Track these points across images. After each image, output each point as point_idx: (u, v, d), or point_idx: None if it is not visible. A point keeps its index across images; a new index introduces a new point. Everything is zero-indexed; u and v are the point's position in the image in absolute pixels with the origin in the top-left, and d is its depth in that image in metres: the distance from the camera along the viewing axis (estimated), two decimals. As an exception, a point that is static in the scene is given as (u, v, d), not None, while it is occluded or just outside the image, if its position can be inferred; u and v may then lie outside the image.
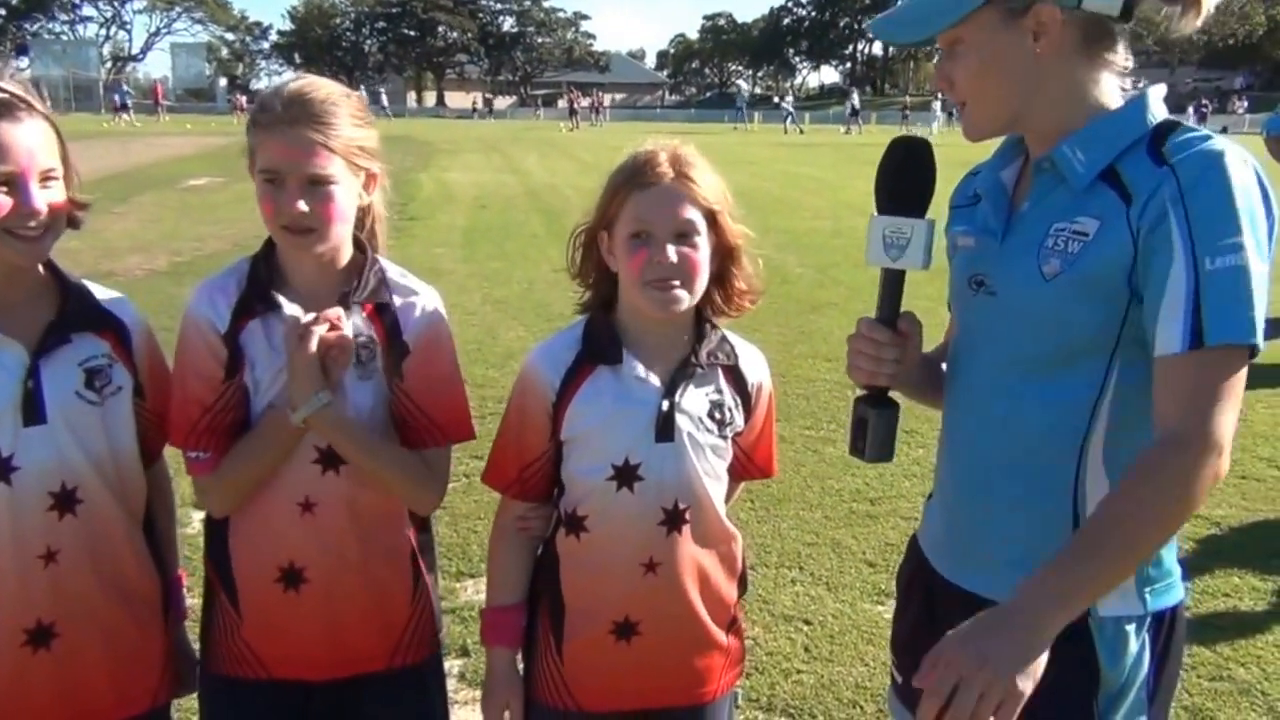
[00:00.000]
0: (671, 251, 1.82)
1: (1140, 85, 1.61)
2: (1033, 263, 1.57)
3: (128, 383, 1.93)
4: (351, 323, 1.90)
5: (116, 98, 46.15)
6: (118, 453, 1.92)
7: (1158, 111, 1.58)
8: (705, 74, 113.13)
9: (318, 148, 1.81)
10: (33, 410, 1.80)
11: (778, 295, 9.74)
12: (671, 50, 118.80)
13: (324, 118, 1.82)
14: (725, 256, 1.91)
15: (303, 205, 1.82)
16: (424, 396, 1.97)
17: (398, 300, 1.97)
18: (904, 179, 1.67)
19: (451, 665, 3.52)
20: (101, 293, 1.96)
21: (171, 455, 2.05)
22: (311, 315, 1.87)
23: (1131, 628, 1.59)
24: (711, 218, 1.87)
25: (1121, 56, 1.60)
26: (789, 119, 50.21)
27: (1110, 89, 1.60)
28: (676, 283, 1.83)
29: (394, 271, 2.02)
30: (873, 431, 1.64)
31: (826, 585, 4.21)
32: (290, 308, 1.90)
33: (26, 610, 1.84)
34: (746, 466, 2.07)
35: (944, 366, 1.85)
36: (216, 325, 1.89)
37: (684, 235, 1.83)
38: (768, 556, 4.45)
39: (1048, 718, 1.50)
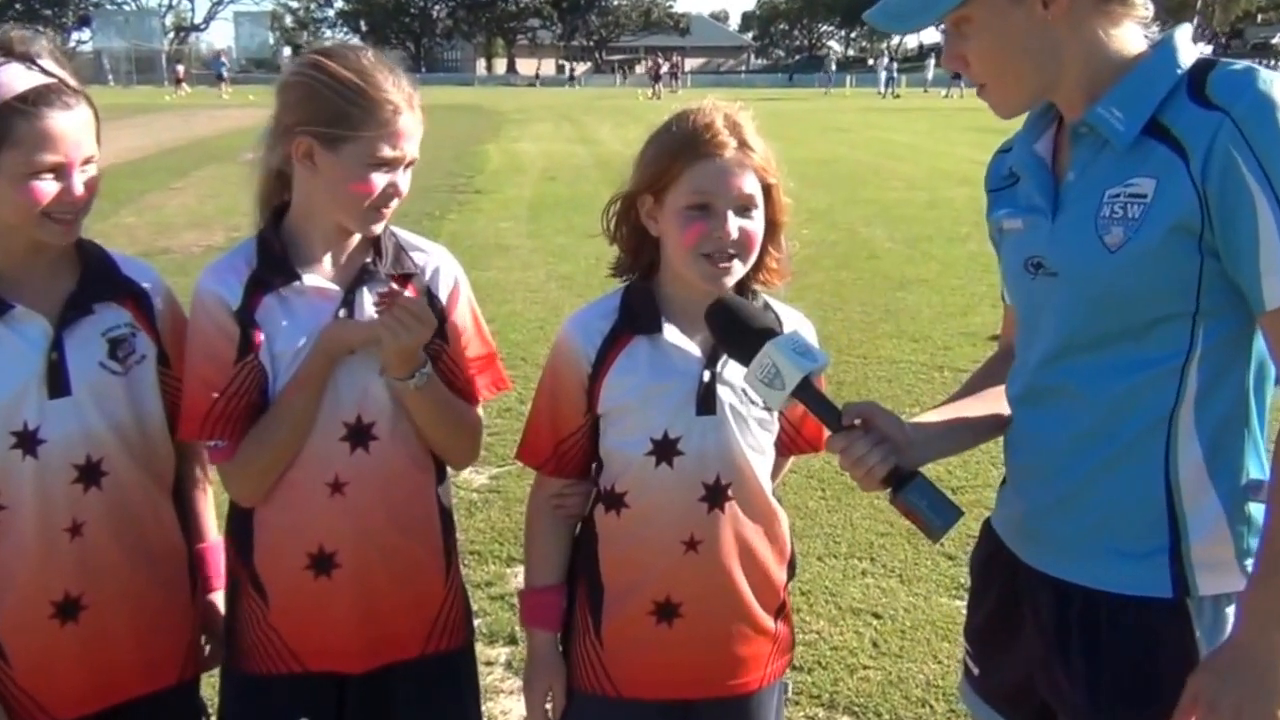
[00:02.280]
0: (734, 225, 1.84)
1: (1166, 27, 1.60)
2: (1092, 235, 1.56)
3: (151, 351, 1.99)
4: (382, 293, 1.95)
5: (211, 69, 47.63)
6: (144, 422, 1.98)
7: (1188, 52, 1.56)
8: (794, 35, 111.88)
9: (420, 130, 1.93)
10: (58, 382, 1.88)
11: (864, 270, 9.67)
12: (757, 11, 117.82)
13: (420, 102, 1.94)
14: (770, 229, 1.93)
15: (404, 185, 1.93)
16: (464, 357, 2.05)
17: (420, 264, 2.03)
18: (729, 334, 1.74)
19: (499, 653, 3.60)
20: (122, 260, 2.04)
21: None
22: (389, 288, 1.94)
23: (1231, 608, 1.59)
24: (767, 190, 1.90)
25: (1141, 3, 1.58)
26: (890, 82, 49.48)
27: (1134, 39, 1.59)
28: (733, 256, 1.86)
29: (404, 235, 2.07)
30: (919, 511, 1.63)
31: (900, 578, 4.20)
32: (314, 279, 1.95)
33: (54, 583, 1.93)
34: (795, 440, 2.09)
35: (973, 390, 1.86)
36: (228, 302, 1.93)
37: (745, 208, 1.86)
38: (837, 546, 4.45)
39: (1141, 707, 1.54)
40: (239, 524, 2.04)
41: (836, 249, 10.46)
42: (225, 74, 50.13)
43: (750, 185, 1.87)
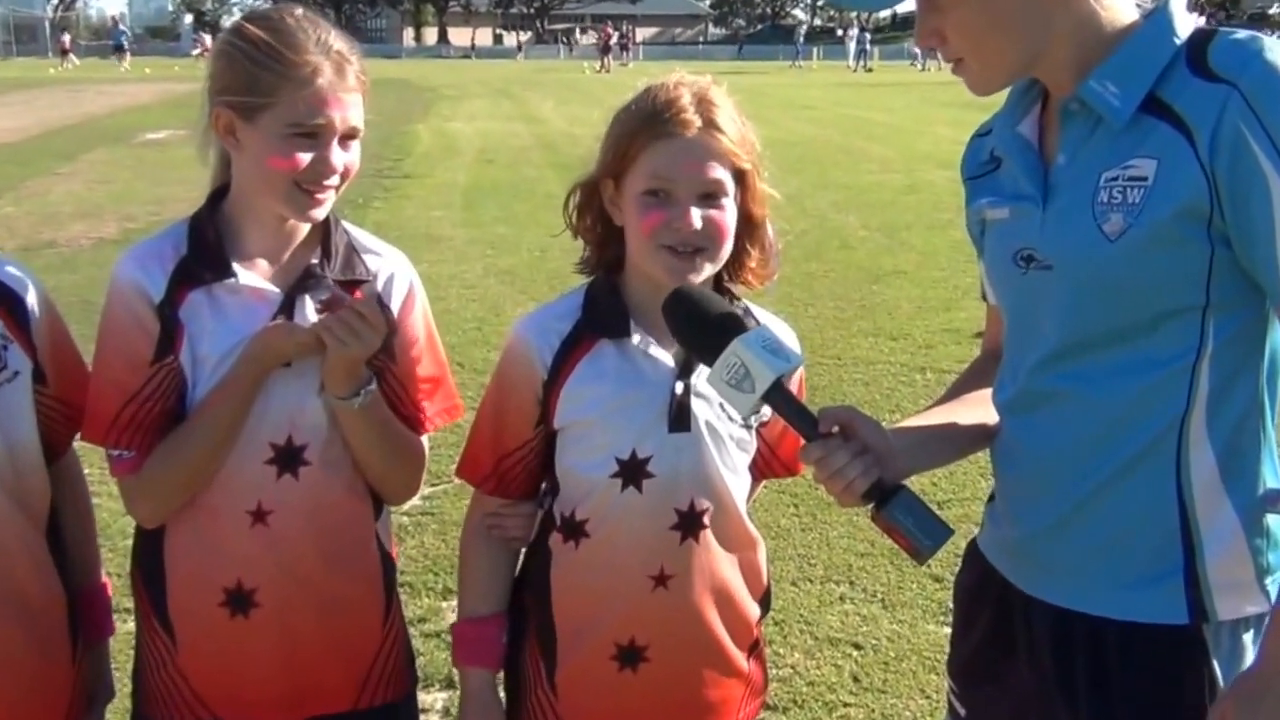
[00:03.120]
0: (696, 215, 1.81)
1: None
2: (1089, 223, 1.56)
3: (25, 366, 1.90)
4: (325, 300, 1.92)
5: (108, 39, 47.17)
6: (14, 448, 1.89)
7: (1184, 21, 1.57)
8: (755, 3, 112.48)
9: (358, 98, 1.90)
10: None
11: (836, 262, 9.72)
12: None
13: (360, 65, 1.91)
14: (745, 222, 1.90)
15: (341, 160, 1.88)
16: (413, 378, 2.02)
17: (373, 269, 2.00)
18: (690, 329, 1.72)
19: (435, 699, 3.55)
20: None
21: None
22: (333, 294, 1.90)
23: (1249, 635, 1.60)
24: (741, 177, 1.87)
25: None
26: (862, 55, 49.90)
27: (1126, 8, 1.59)
28: (698, 249, 1.83)
29: (357, 234, 2.04)
30: (905, 530, 1.61)
31: (882, 603, 4.20)
32: (250, 278, 1.91)
33: None
34: (770, 462, 2.07)
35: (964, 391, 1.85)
36: (149, 294, 1.89)
37: (710, 196, 1.83)
38: (812, 569, 4.45)
39: None
40: (146, 553, 2.00)
41: (805, 239, 10.51)
42: (126, 44, 49.50)
43: (717, 170, 1.83)
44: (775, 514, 4.79)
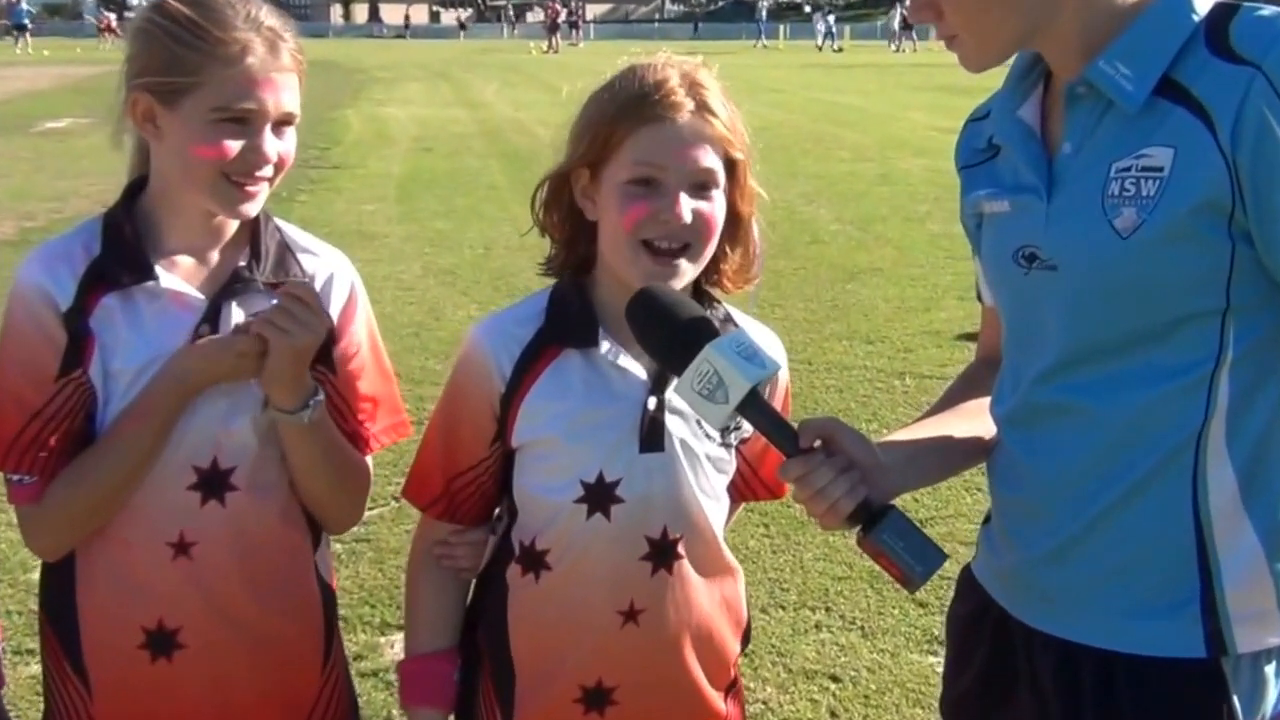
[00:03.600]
0: (686, 206, 1.79)
1: None
2: (1099, 218, 1.55)
3: None
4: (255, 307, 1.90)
5: (11, 19, 46.84)
6: None
7: None
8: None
9: (293, 79, 1.87)
10: None
11: (806, 258, 9.75)
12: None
13: (296, 43, 1.89)
14: (730, 220, 1.88)
15: (274, 149, 1.85)
16: (358, 392, 2.01)
17: (310, 271, 1.98)
18: (656, 333, 1.70)
19: (374, 743, 3.51)
20: None
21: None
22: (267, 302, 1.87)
23: (1272, 668, 1.60)
24: (732, 168, 1.85)
25: None
26: (828, 35, 50.26)
27: None
28: (682, 248, 1.82)
29: (291, 232, 2.03)
30: (894, 555, 1.60)
31: (861, 631, 4.20)
32: (172, 281, 1.88)
33: None
34: (751, 483, 2.06)
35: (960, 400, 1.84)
36: (55, 300, 1.85)
37: (702, 187, 1.82)
38: (785, 595, 4.44)
39: None
40: (54, 589, 1.97)
41: (773, 233, 10.27)
42: (28, 23, 49.01)
43: (709, 159, 1.81)
44: (743, 534, 4.76)
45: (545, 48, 48.11)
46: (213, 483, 1.90)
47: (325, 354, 1.95)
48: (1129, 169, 1.53)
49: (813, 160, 15.10)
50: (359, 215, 11.56)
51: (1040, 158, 1.66)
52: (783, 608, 4.35)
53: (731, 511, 2.08)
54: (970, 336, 7.48)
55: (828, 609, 4.35)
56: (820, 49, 48.57)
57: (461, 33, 67.72)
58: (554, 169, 1.90)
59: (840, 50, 49.28)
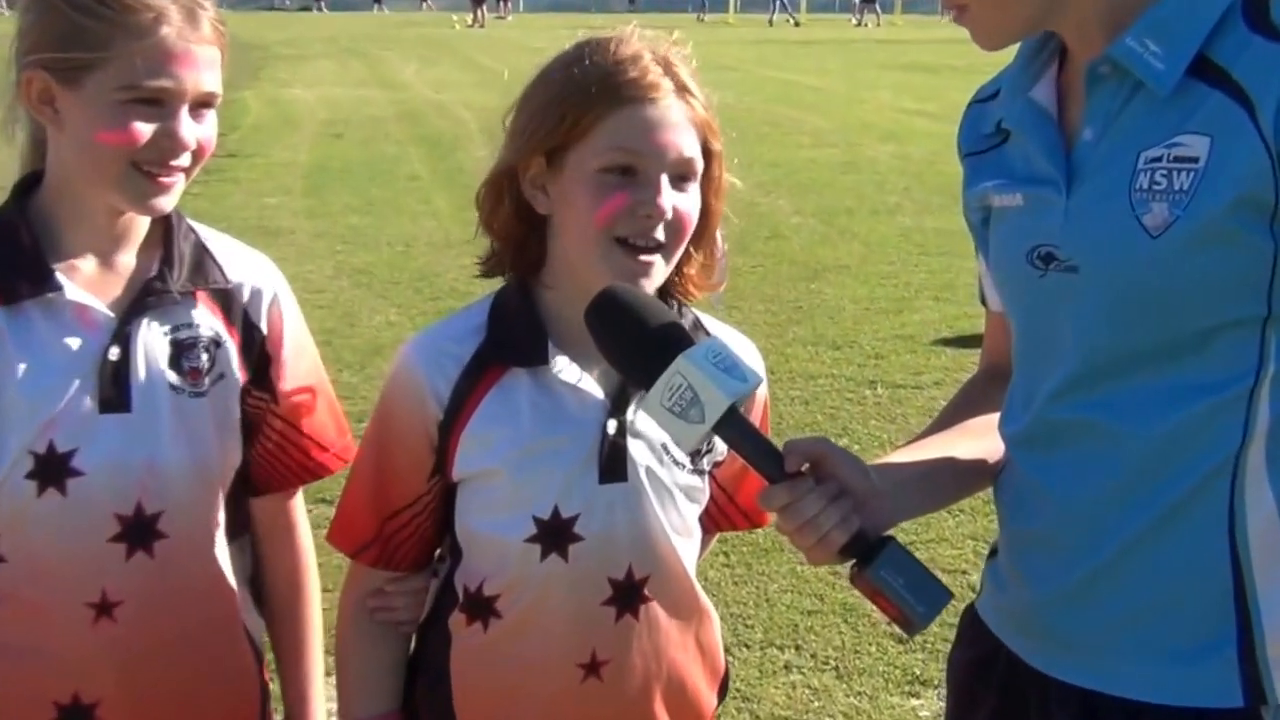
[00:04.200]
0: (668, 197, 1.78)
1: None
2: (1125, 215, 1.55)
3: None
4: (179, 317, 1.91)
5: None
6: None
7: None
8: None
9: (215, 54, 1.87)
10: None
11: (765, 255, 9.79)
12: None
13: (217, 13, 1.89)
14: (702, 216, 1.88)
15: (192, 134, 1.83)
16: (303, 417, 2.04)
17: (234, 278, 1.98)
18: (621, 341, 1.68)
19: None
20: None
21: None
22: None
23: None
24: (709, 156, 1.86)
25: None
26: (786, 7, 50.67)
27: None
28: (658, 245, 1.81)
29: (207, 233, 2.02)
30: (893, 594, 1.59)
31: (835, 671, 4.20)
32: (76, 292, 1.85)
33: None
34: (726, 511, 2.07)
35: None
36: None
37: (682, 178, 1.82)
38: (750, 633, 4.44)
39: None
40: None
41: (728, 227, 10.47)
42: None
43: (691, 146, 1.81)
44: (700, 565, 4.71)
45: (470, 21, 48.11)
46: (138, 531, 1.89)
47: (262, 378, 1.98)
48: (1159, 159, 1.53)
49: (770, 147, 15.20)
50: (260, 209, 11.51)
51: (1057, 145, 1.65)
52: (747, 646, 4.33)
53: (705, 545, 2.07)
54: (948, 341, 7.54)
55: (797, 647, 4.34)
56: (772, 23, 48.88)
57: (377, 6, 67.60)
58: (504, 158, 1.87)
59: (797, 24, 49.71)
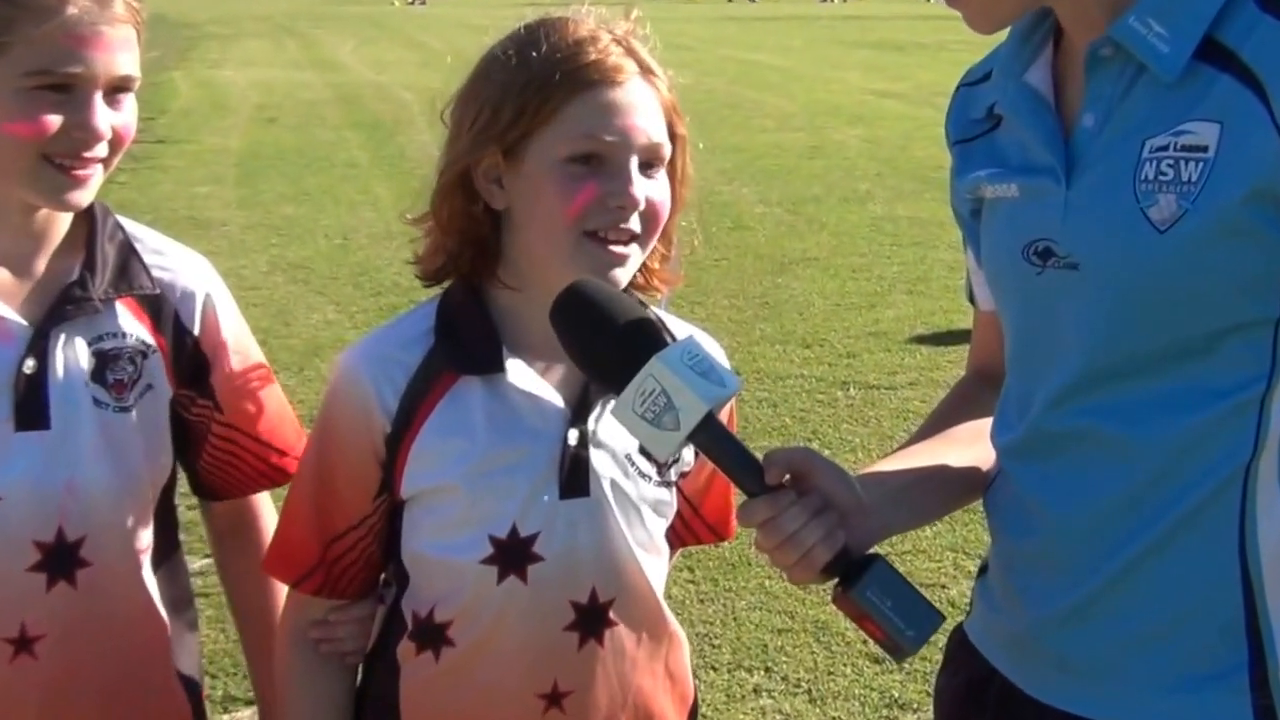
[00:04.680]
0: (639, 187, 1.78)
1: None
2: (1130, 207, 1.54)
3: None
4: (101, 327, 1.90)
5: None
6: None
7: None
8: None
9: (130, 34, 1.84)
10: None
11: (728, 247, 9.81)
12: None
13: None
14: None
15: (107, 122, 1.81)
16: (255, 421, 2.05)
17: (164, 279, 1.97)
18: (594, 338, 1.66)
19: None
20: None
21: None
22: None
23: None
24: (674, 140, 1.87)
25: None
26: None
27: None
28: (632, 236, 1.80)
29: (136, 230, 2.01)
30: (881, 616, 1.58)
31: (808, 695, 4.21)
32: None
33: None
34: (691, 525, 2.08)
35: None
36: None
37: (651, 165, 1.83)
38: (717, 653, 4.44)
39: None
40: None
41: (688, 218, 10.53)
42: None
43: (659, 131, 1.81)
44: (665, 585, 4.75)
45: (411, -1, 48.13)
46: (60, 559, 1.88)
47: (202, 384, 1.98)
48: (1166, 148, 1.52)
49: (731, 131, 15.30)
50: (190, 199, 11.50)
51: (1056, 132, 1.65)
52: (714, 669, 4.34)
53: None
54: (924, 338, 7.58)
55: (767, 669, 4.35)
56: (733, -1, 49.11)
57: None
58: (456, 155, 1.85)
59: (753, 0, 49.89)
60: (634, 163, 1.78)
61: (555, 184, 1.77)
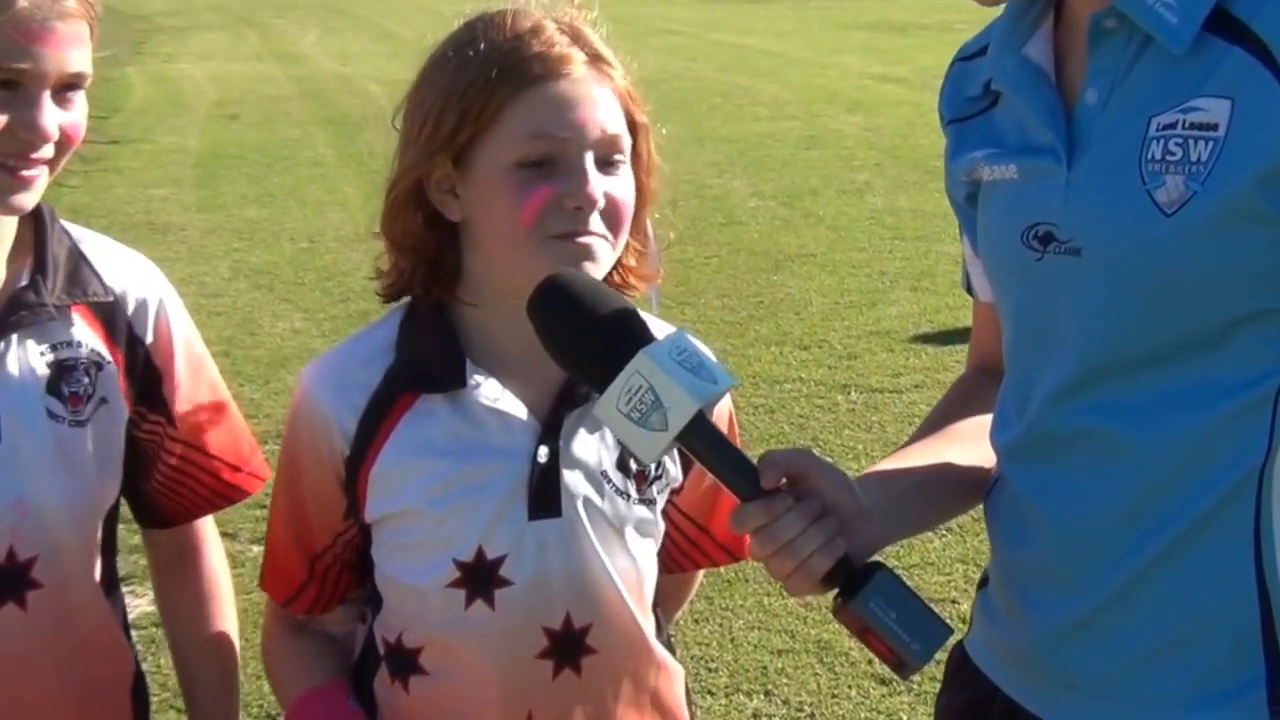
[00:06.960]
0: (596, 184, 1.77)
1: None
2: (1135, 189, 1.54)
3: None
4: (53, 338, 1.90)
5: None
6: None
7: None
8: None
9: (82, 29, 1.83)
10: None
11: (720, 243, 9.80)
12: None
13: None
14: (636, 199, 1.88)
15: (55, 122, 1.80)
16: (206, 436, 2.06)
17: (115, 287, 1.98)
18: (575, 332, 1.65)
19: None
20: None
21: None
22: None
23: None
24: (634, 130, 1.86)
25: None
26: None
27: None
28: (599, 233, 1.79)
29: (83, 235, 2.01)
30: (884, 629, 1.57)
31: (810, 717, 4.20)
32: None
33: None
34: (700, 544, 2.07)
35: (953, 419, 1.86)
36: None
37: (610, 159, 1.81)
38: (713, 678, 4.44)
39: None
40: None
41: (678, 212, 10.51)
42: None
43: (615, 122, 1.81)
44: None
45: (379, -16, 48.13)
46: (10, 581, 1.88)
47: (154, 398, 1.99)
48: (1174, 126, 1.53)
49: (722, 120, 15.27)
50: (147, 202, 11.47)
51: (1057, 109, 1.65)
52: (711, 693, 4.34)
53: (683, 588, 2.11)
54: (929, 337, 7.57)
55: (767, 693, 4.35)
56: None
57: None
58: (404, 167, 1.84)
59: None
60: (589, 159, 1.77)
61: (506, 190, 1.76)
